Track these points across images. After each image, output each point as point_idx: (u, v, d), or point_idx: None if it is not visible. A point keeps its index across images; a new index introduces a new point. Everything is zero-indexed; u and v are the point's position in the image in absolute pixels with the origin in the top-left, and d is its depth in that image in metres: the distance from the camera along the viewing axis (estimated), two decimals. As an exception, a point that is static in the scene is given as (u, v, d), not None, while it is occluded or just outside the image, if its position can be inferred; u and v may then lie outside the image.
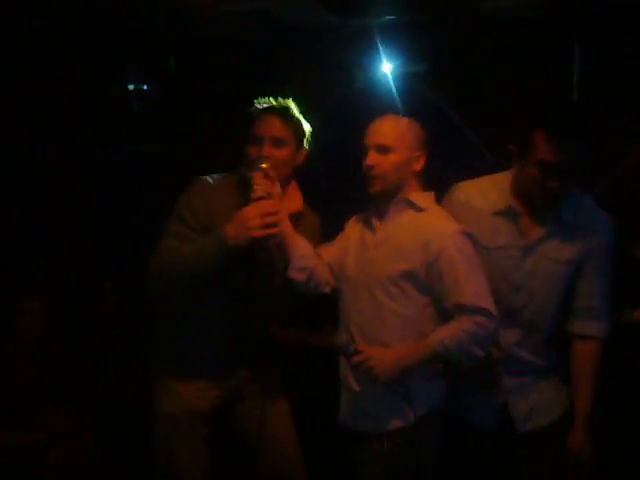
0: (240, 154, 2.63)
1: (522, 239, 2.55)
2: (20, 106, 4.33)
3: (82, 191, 4.55)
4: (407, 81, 4.26)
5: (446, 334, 2.41)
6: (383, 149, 2.50)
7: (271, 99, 2.64)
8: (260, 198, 2.45)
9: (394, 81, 4.27)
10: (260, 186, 2.46)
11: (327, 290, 2.65)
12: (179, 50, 4.36)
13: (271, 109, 2.61)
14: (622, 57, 4.00)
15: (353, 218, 2.72)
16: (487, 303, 2.41)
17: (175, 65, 4.43)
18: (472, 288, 2.42)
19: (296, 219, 2.65)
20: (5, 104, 4.27)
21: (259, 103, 2.65)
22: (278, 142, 2.56)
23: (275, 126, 2.57)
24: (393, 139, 2.50)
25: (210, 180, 2.64)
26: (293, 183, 2.68)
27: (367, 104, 4.22)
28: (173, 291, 2.57)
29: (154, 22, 4.09)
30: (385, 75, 4.32)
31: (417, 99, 4.14)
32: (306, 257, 2.59)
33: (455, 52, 4.16)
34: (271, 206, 2.46)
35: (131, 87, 4.66)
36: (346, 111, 2.95)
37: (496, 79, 4.18)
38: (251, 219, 2.40)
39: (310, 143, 2.67)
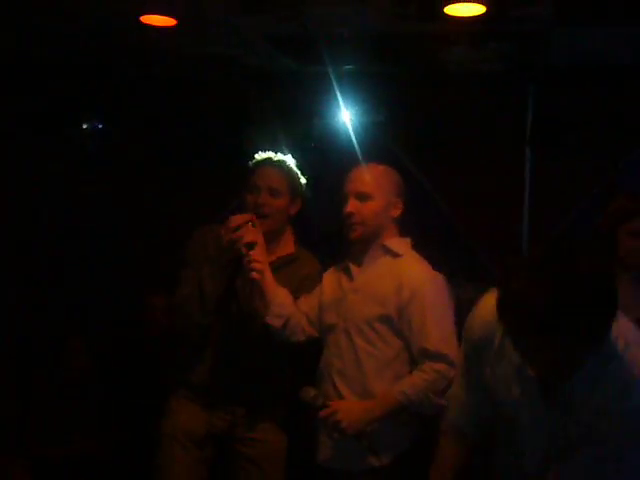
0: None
1: None
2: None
3: (40, 236, 4.43)
4: (366, 130, 4.32)
5: (408, 384, 2.45)
6: (363, 196, 2.57)
7: (270, 153, 2.85)
8: (247, 244, 2.61)
9: (353, 129, 4.32)
10: (248, 234, 2.62)
11: (302, 338, 2.72)
12: (137, 90, 4.32)
13: (269, 161, 2.83)
14: (572, 107, 4.16)
15: (330, 269, 2.78)
16: (450, 350, 2.43)
17: (132, 105, 4.38)
18: (438, 333, 2.46)
19: (287, 262, 2.80)
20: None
21: (259, 155, 2.86)
22: (274, 192, 2.76)
23: (272, 177, 2.78)
24: (372, 186, 2.58)
25: (207, 230, 2.84)
26: (288, 229, 2.87)
27: (325, 151, 4.29)
28: (193, 325, 2.75)
29: (114, 61, 4.06)
30: (344, 123, 4.38)
31: (376, 148, 4.20)
32: (284, 305, 2.66)
33: (413, 102, 4.25)
34: (256, 255, 2.59)
35: (85, 126, 4.59)
36: (304, 158, 3.01)
37: (454, 129, 4.27)
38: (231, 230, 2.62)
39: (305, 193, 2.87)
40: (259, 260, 2.60)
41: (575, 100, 4.12)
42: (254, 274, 2.59)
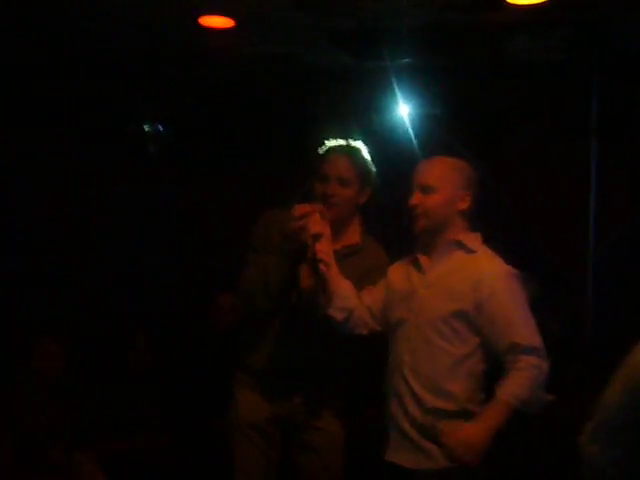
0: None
1: None
2: (39, 146, 4.33)
3: (104, 234, 4.54)
4: (424, 123, 4.27)
5: (514, 386, 2.42)
6: (426, 189, 2.56)
7: (341, 140, 2.78)
8: (314, 235, 2.57)
9: (411, 123, 4.29)
10: (315, 225, 2.57)
11: (364, 332, 2.69)
12: (198, 91, 4.37)
13: (339, 149, 2.76)
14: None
15: (396, 263, 2.75)
16: (540, 342, 2.44)
17: (193, 106, 4.43)
18: (526, 327, 2.45)
19: (352, 252, 2.77)
20: (22, 142, 4.29)
21: (329, 143, 2.79)
22: (343, 182, 2.70)
23: (341, 166, 2.70)
24: (436, 179, 2.56)
25: (274, 212, 2.82)
26: (356, 218, 2.82)
27: (383, 146, 4.26)
28: (256, 310, 2.76)
29: (174, 63, 4.12)
30: (402, 117, 4.34)
31: (434, 141, 4.16)
32: (347, 298, 2.64)
33: (473, 94, 4.18)
34: (322, 246, 2.56)
35: (147, 128, 4.67)
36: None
37: (514, 121, 4.19)
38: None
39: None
40: (324, 252, 2.57)
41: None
42: (320, 266, 2.58)
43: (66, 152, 4.38)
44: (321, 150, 2.78)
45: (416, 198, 2.56)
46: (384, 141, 4.31)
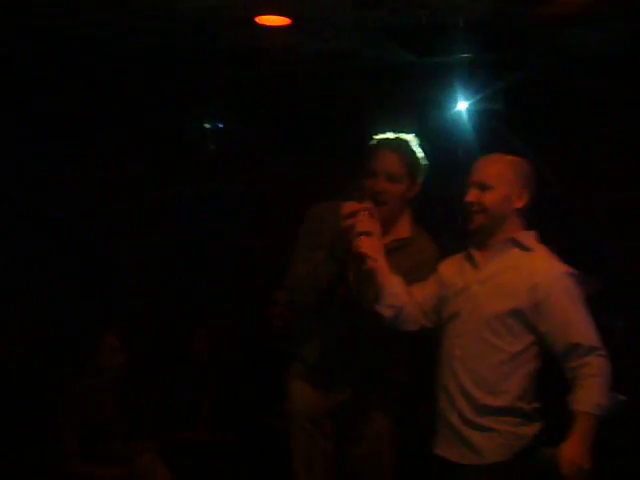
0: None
1: None
2: (102, 144, 4.45)
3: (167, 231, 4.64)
4: (484, 119, 4.23)
5: (592, 395, 2.41)
6: (483, 186, 2.55)
7: (390, 134, 2.75)
8: (362, 233, 2.56)
9: (471, 119, 4.25)
10: (363, 223, 2.56)
11: (414, 329, 2.70)
12: (257, 89, 4.42)
13: (389, 145, 2.72)
14: None
15: (447, 259, 2.76)
16: (599, 342, 2.44)
17: (253, 104, 4.49)
18: (585, 327, 2.45)
19: (402, 245, 2.77)
20: (83, 142, 4.41)
21: (378, 137, 2.76)
22: (392, 178, 2.68)
23: (390, 162, 2.68)
24: (493, 177, 2.55)
25: (324, 205, 2.82)
26: (406, 212, 2.80)
27: (443, 142, 4.24)
28: (305, 305, 2.79)
29: (234, 62, 4.17)
30: (461, 113, 4.31)
31: (493, 137, 4.11)
32: (397, 295, 2.65)
33: (535, 88, 4.12)
34: (369, 242, 2.56)
35: (207, 126, 4.74)
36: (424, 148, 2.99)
37: (578, 116, 4.12)
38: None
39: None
40: (371, 248, 2.57)
41: None
42: (367, 262, 2.58)
43: (129, 153, 4.48)
44: (370, 144, 2.75)
45: (473, 195, 2.56)
46: (444, 136, 4.31)
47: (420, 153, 2.76)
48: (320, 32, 3.71)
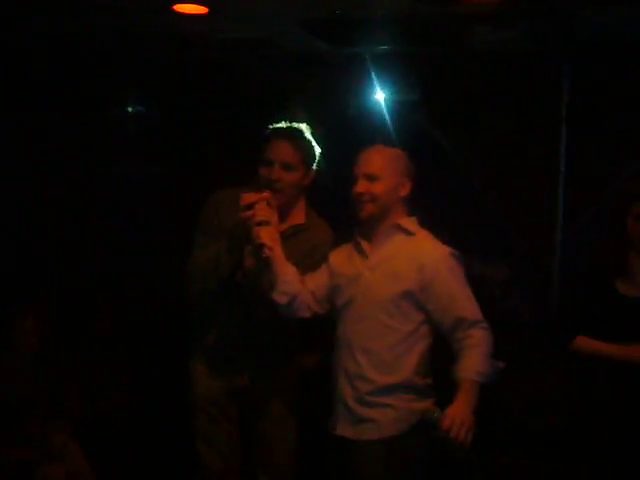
0: (234, 174, 2.85)
1: None
2: (23, 126, 4.42)
3: (82, 210, 4.64)
4: (399, 109, 4.36)
5: (474, 362, 2.59)
6: (371, 177, 2.69)
7: (284, 123, 2.81)
8: (260, 223, 2.63)
9: (387, 109, 4.37)
10: (261, 212, 2.64)
11: (307, 315, 2.83)
12: (178, 74, 4.45)
13: (283, 133, 2.79)
14: (609, 89, 4.12)
15: (337, 249, 2.88)
16: (481, 315, 2.65)
17: (174, 89, 4.52)
18: (470, 303, 2.66)
19: (298, 231, 2.86)
20: (4, 123, 4.37)
21: (272, 126, 2.82)
22: (287, 167, 2.75)
23: (285, 151, 2.75)
24: (380, 168, 2.70)
25: (222, 195, 2.88)
26: (301, 199, 2.89)
27: (360, 131, 4.35)
28: (203, 294, 2.84)
29: (154, 46, 4.20)
30: (378, 103, 4.43)
31: (409, 127, 4.25)
32: (290, 283, 2.76)
33: (445, 82, 4.27)
34: (268, 232, 2.65)
35: (130, 109, 4.76)
36: (339, 138, 3.09)
37: (488, 109, 4.28)
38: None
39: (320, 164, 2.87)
40: (268, 237, 2.66)
41: (611, 78, 4.09)
42: (265, 251, 2.67)
43: (50, 135, 4.46)
44: (265, 134, 2.81)
45: (362, 186, 2.68)
46: (360, 126, 4.42)
47: (313, 141, 2.83)
48: (237, 21, 3.78)
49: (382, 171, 2.68)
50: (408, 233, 2.73)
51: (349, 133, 4.28)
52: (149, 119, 4.73)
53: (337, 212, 3.18)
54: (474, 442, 2.51)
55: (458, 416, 2.49)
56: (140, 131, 4.70)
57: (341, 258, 2.82)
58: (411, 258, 2.67)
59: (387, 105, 4.41)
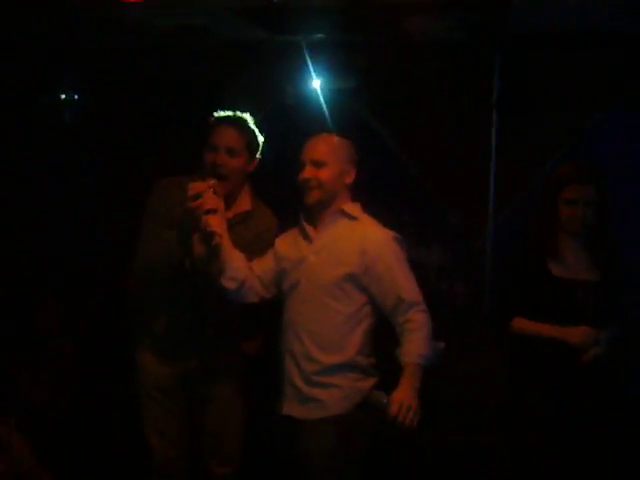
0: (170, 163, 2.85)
1: None
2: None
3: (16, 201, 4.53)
4: (336, 97, 4.42)
5: (416, 347, 2.70)
6: (318, 164, 2.79)
7: (228, 111, 2.89)
8: (208, 211, 2.69)
9: (324, 97, 4.42)
10: (209, 200, 2.69)
11: (255, 300, 2.91)
12: (113, 61, 4.39)
13: (228, 120, 2.87)
14: (538, 77, 4.26)
15: (282, 234, 2.96)
16: (421, 297, 2.78)
17: (108, 76, 4.46)
18: (410, 285, 2.77)
19: (243, 218, 2.92)
20: None
21: (217, 114, 2.90)
22: (232, 152, 2.82)
23: (230, 137, 2.83)
24: (326, 155, 2.80)
25: (168, 182, 2.93)
26: (246, 187, 2.96)
27: (297, 119, 4.39)
28: (155, 284, 2.89)
29: (88, 32, 4.14)
30: (315, 91, 4.47)
31: (346, 115, 4.31)
32: (239, 269, 2.83)
33: (381, 70, 4.34)
34: (216, 220, 2.71)
35: (63, 96, 4.67)
36: (277, 126, 3.13)
37: (422, 96, 4.37)
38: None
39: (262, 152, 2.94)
40: (216, 225, 2.72)
41: (540, 66, 4.23)
42: (215, 239, 2.73)
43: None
44: (210, 120, 2.89)
45: (309, 172, 2.79)
46: (297, 114, 4.46)
47: (256, 130, 2.91)
48: (173, 8, 3.76)
49: (328, 158, 2.78)
50: (352, 218, 2.82)
51: (286, 121, 4.35)
52: (83, 107, 4.63)
53: (278, 199, 3.24)
54: (420, 422, 2.61)
55: (405, 401, 2.60)
56: (74, 119, 4.61)
57: (287, 243, 2.90)
58: (354, 242, 2.76)
59: (324, 93, 4.46)
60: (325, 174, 2.78)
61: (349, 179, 2.85)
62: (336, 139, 2.87)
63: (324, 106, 4.40)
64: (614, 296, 2.99)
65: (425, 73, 4.33)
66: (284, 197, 3.63)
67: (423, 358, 2.69)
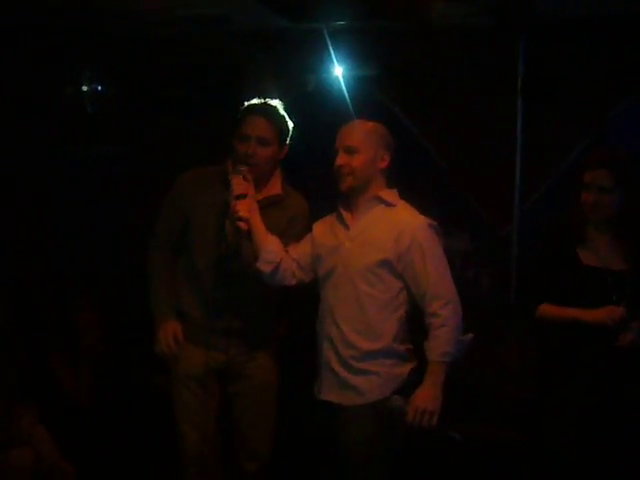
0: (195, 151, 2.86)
1: None
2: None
3: (40, 193, 4.55)
4: (359, 84, 4.38)
5: (442, 343, 2.69)
6: (351, 150, 2.78)
7: (259, 100, 2.90)
8: (238, 197, 2.72)
9: (346, 84, 4.39)
10: (238, 186, 2.73)
11: (292, 283, 2.93)
12: (134, 52, 4.39)
13: (259, 110, 2.88)
14: (563, 64, 4.20)
15: (320, 220, 2.97)
16: (450, 289, 2.74)
17: (130, 67, 4.46)
18: (438, 277, 2.74)
19: (273, 201, 2.94)
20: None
21: (248, 103, 2.91)
22: (263, 141, 2.84)
23: (261, 126, 2.84)
24: (359, 141, 2.79)
25: (193, 175, 2.96)
26: (277, 172, 2.98)
27: (319, 107, 4.37)
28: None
29: (108, 24, 4.14)
30: (337, 78, 4.44)
31: (368, 102, 4.27)
32: (274, 252, 2.85)
33: (404, 56, 4.30)
34: (245, 205, 2.74)
35: (85, 88, 4.68)
36: (299, 114, 3.12)
37: (445, 83, 4.33)
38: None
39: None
40: (245, 210, 2.75)
41: (565, 52, 4.16)
42: (240, 224, 2.75)
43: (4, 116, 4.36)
44: (240, 110, 2.90)
45: (342, 159, 2.78)
46: (320, 101, 4.44)
47: (287, 117, 2.91)
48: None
49: (360, 144, 2.77)
50: (388, 204, 2.81)
51: (308, 109, 4.32)
52: (106, 98, 4.64)
53: (301, 186, 3.22)
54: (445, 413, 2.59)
55: (422, 405, 2.62)
56: (97, 110, 4.62)
57: (324, 229, 2.91)
58: (390, 228, 2.75)
59: (345, 80, 4.42)
60: (358, 160, 2.77)
61: (383, 164, 2.82)
62: (369, 124, 2.85)
63: (346, 93, 4.38)
64: None
65: (448, 59, 4.28)
66: (308, 184, 3.64)
67: (447, 356, 2.68)
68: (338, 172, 2.80)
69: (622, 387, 2.87)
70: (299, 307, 3.19)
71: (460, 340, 2.72)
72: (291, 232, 2.92)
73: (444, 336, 2.68)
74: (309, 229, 2.98)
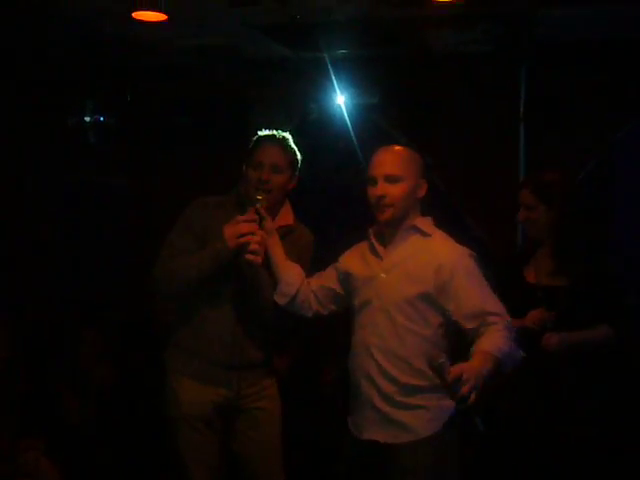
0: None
1: None
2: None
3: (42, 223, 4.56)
4: (361, 112, 4.40)
5: (495, 340, 2.48)
6: (393, 179, 2.62)
7: (271, 130, 2.92)
8: (244, 234, 2.71)
9: (348, 112, 4.41)
10: (243, 226, 2.72)
11: (309, 314, 2.84)
12: (137, 82, 4.43)
13: (272, 139, 2.90)
14: (564, 88, 4.22)
15: (348, 251, 2.85)
16: (504, 308, 2.57)
17: (132, 97, 4.49)
18: (491, 299, 2.57)
19: (286, 232, 2.92)
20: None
21: (261, 133, 2.93)
22: (277, 169, 2.83)
23: (275, 154, 2.84)
24: (401, 169, 2.62)
25: (208, 199, 2.93)
26: (287, 203, 2.98)
27: (322, 135, 4.38)
28: (175, 294, 2.88)
29: (111, 55, 4.17)
30: (339, 106, 4.46)
31: (370, 129, 4.29)
32: (291, 285, 2.79)
33: (406, 84, 4.32)
34: (257, 237, 2.71)
35: (88, 119, 4.70)
36: (302, 141, 3.12)
37: (446, 109, 4.35)
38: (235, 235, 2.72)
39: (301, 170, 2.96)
40: (258, 243, 2.70)
41: (566, 76, 4.19)
42: (251, 257, 2.70)
43: (8, 144, 4.38)
44: (254, 139, 2.91)
45: (382, 188, 2.61)
46: (322, 129, 4.46)
47: (296, 149, 2.93)
48: (197, 28, 3.77)
49: (402, 172, 2.61)
50: (424, 234, 2.67)
51: (311, 136, 4.33)
52: (109, 128, 4.66)
53: (306, 213, 3.21)
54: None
55: (466, 371, 2.35)
56: (100, 140, 4.64)
57: (354, 260, 2.78)
58: (428, 260, 2.61)
59: (348, 108, 4.44)
60: (399, 190, 2.60)
61: (422, 193, 2.67)
62: (408, 151, 2.68)
63: (348, 121, 4.39)
64: (593, 301, 2.92)
65: (451, 86, 4.30)
66: (312, 211, 3.63)
67: (500, 351, 2.44)
68: (378, 203, 2.62)
69: (555, 389, 2.94)
70: (300, 344, 3.13)
71: (515, 350, 2.52)
72: (299, 262, 2.88)
73: (498, 335, 2.49)
74: (314, 260, 2.93)
